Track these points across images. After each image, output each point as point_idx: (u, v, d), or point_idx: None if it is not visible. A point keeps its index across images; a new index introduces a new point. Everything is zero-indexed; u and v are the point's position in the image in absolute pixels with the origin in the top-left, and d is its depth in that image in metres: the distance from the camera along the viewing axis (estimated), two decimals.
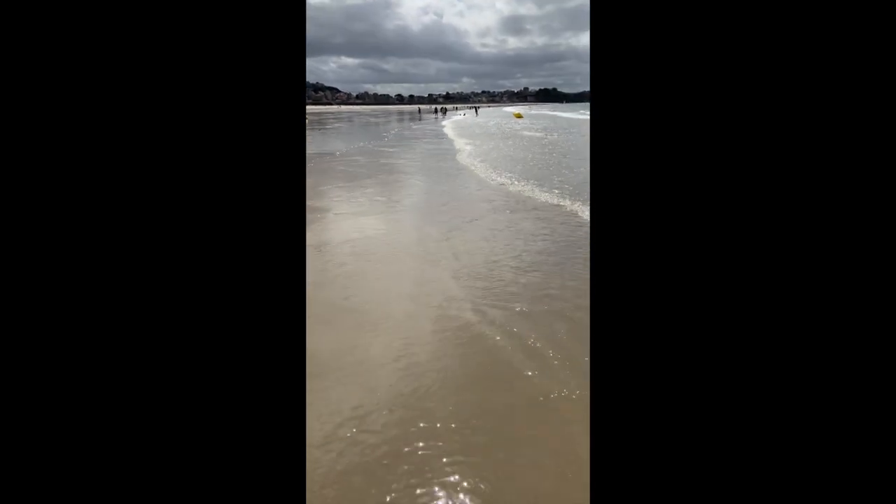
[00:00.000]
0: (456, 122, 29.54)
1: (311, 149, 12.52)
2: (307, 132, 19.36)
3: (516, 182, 6.71)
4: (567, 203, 5.32)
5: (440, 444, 1.61)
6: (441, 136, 16.84)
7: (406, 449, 1.59)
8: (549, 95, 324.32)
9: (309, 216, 4.80)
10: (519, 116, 32.58)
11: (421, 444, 1.61)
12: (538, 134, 16.96)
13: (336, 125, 26.00)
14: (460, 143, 13.18)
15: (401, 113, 55.84)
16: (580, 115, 36.72)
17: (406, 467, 1.51)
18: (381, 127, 24.13)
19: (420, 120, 31.54)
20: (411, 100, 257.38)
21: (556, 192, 5.94)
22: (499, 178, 7.05)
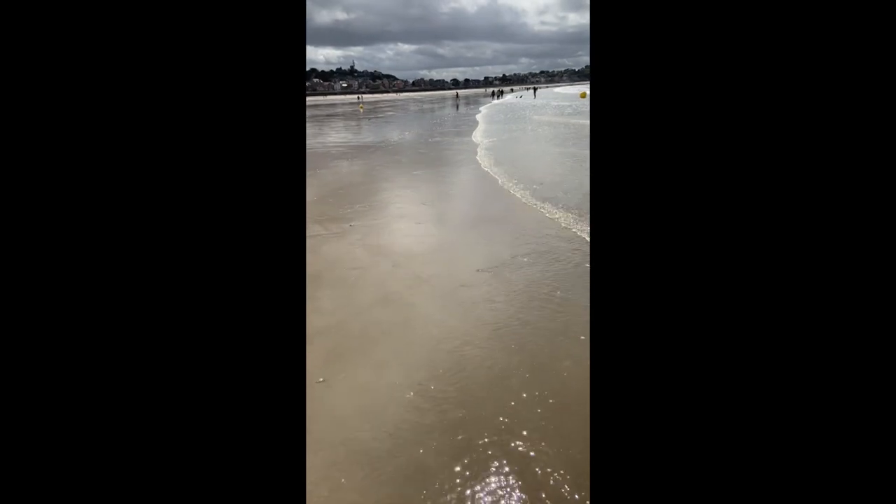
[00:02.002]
0: (500, 105, 27.93)
1: (359, 139, 11.90)
2: (363, 119, 19.82)
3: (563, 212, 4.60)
4: None
5: None
6: (476, 122, 15.56)
7: None
8: None
9: (313, 238, 4.03)
10: (584, 96, 30.22)
11: None
12: None
13: (389, 113, 25.50)
14: (480, 136, 11.87)
15: (455, 98, 54.67)
16: None
17: None
18: (431, 114, 23.25)
19: (457, 108, 28.02)
20: (466, 84, 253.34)
21: None
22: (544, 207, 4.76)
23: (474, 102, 34.99)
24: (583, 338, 2.12)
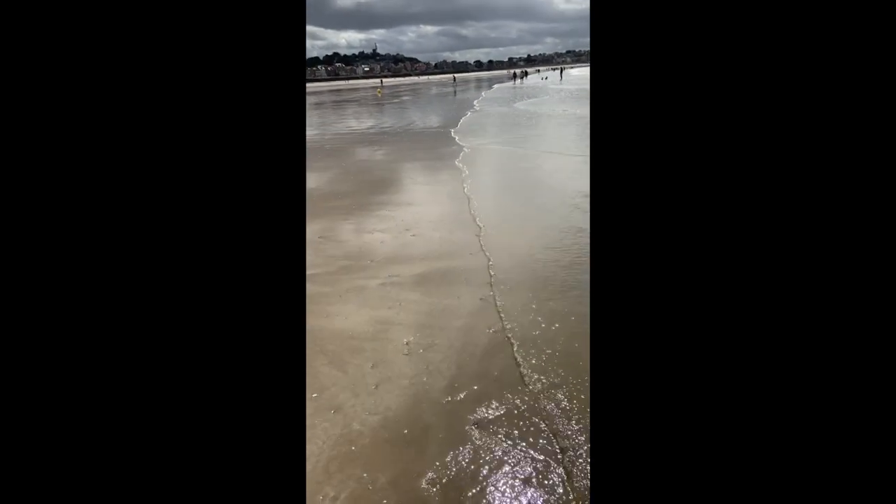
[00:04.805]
0: (522, 87, 27.06)
1: (364, 128, 11.79)
2: (378, 104, 19.23)
3: None
4: None
5: None
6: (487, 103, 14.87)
7: None
8: None
9: None
10: None
11: None
12: None
13: (406, 98, 25.17)
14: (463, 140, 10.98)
15: (479, 80, 53.47)
16: None
17: None
18: (450, 98, 22.81)
19: (455, 94, 25.24)
20: (490, 66, 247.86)
21: None
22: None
23: (486, 87, 33.99)
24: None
